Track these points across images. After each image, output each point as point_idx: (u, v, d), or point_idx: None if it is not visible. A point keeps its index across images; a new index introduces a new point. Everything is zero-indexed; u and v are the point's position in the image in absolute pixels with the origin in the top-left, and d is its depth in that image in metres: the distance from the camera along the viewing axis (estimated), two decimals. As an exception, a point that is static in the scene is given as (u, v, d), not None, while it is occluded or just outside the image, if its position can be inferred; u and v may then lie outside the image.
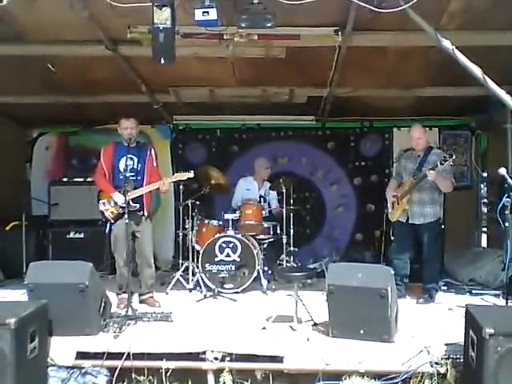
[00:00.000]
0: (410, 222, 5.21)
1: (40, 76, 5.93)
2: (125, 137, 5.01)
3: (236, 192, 6.78)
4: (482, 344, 3.02)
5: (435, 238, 5.19)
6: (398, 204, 5.28)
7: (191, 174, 5.11)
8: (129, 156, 5.00)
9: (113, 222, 4.99)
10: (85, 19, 4.47)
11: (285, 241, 6.24)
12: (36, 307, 3.53)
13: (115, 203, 4.89)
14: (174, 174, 5.34)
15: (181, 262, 6.25)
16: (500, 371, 2.99)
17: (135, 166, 5.00)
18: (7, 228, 6.59)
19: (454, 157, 4.85)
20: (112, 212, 4.95)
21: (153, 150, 5.18)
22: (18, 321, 3.21)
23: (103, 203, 4.99)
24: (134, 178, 4.96)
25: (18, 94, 6.55)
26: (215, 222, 6.05)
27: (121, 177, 4.76)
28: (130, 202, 4.68)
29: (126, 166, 4.93)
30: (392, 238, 5.64)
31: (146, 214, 5.02)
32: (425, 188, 5.11)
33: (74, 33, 4.91)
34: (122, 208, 4.66)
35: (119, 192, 4.79)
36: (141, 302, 5.06)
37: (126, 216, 4.47)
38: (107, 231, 5.18)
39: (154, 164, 5.15)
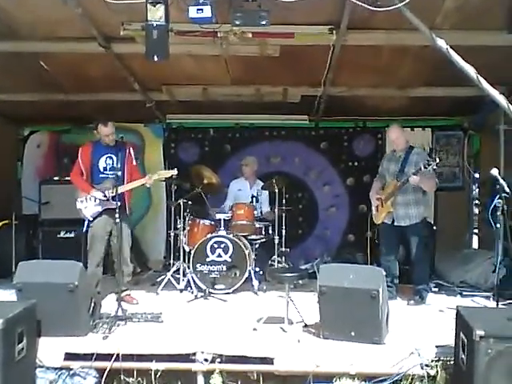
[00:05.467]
0: (395, 224, 5.20)
1: (32, 73, 5.88)
2: (106, 141, 5.07)
3: (228, 194, 6.76)
4: (473, 346, 3.02)
5: (422, 239, 5.18)
6: (383, 206, 5.28)
7: (175, 172, 5.14)
8: (108, 155, 5.08)
9: (91, 219, 5.03)
10: (78, 16, 4.46)
11: (277, 241, 6.22)
12: (24, 307, 3.48)
13: (95, 199, 4.96)
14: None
15: (172, 262, 6.21)
16: (490, 373, 2.99)
17: (115, 165, 5.04)
18: (-3, 227, 6.54)
19: (437, 161, 4.81)
20: (90, 210, 5.00)
21: (131, 149, 5.26)
22: (6, 321, 3.17)
23: (81, 201, 5.06)
24: (114, 176, 4.96)
25: (10, 92, 6.48)
26: (207, 222, 6.02)
27: (100, 175, 4.83)
28: (110, 200, 4.73)
29: (106, 164, 5.07)
30: (378, 241, 5.60)
31: (127, 211, 5.07)
32: (409, 189, 5.10)
33: (67, 30, 4.89)
34: (102, 205, 4.82)
35: (99, 190, 4.90)
36: (117, 299, 4.98)
37: (116, 216, 4.48)
38: (84, 231, 5.20)
39: (134, 163, 5.23)
